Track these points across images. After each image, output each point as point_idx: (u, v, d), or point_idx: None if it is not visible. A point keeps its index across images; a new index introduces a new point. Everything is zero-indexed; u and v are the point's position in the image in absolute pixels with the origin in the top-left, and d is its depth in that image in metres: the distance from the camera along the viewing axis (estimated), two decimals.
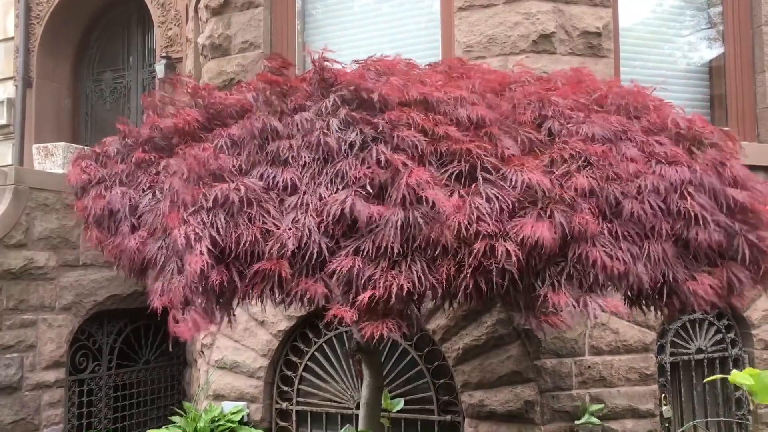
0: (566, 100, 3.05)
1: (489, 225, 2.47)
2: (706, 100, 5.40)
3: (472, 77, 3.24)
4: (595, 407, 4.40)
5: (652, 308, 3.13)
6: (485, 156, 2.65)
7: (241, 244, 2.55)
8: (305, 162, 2.78)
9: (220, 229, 2.57)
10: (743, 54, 5.31)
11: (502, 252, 2.43)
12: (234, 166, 2.79)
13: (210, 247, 2.54)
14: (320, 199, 2.64)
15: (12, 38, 9.24)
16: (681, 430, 4.70)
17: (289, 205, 2.66)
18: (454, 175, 2.67)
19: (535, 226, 2.49)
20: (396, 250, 2.48)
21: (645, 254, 2.68)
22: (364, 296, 2.44)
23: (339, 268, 2.49)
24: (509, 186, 2.60)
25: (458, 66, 3.51)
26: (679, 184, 2.80)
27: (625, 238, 2.68)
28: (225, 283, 2.55)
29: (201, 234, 2.55)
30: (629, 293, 2.97)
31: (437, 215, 2.48)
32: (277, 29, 5.60)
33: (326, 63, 3.07)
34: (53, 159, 6.06)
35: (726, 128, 3.49)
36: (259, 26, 5.53)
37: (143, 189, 3.12)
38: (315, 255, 2.54)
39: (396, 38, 5.32)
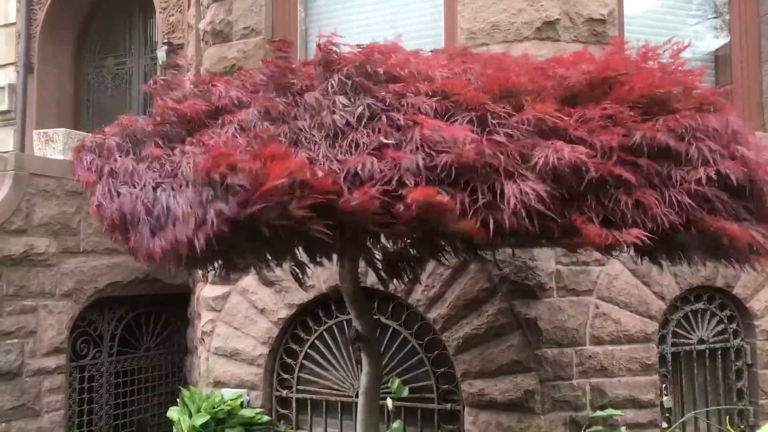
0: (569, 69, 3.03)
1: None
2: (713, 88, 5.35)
3: (476, 60, 3.22)
4: (610, 411, 4.33)
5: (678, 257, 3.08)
6: (497, 107, 2.64)
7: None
8: (317, 140, 2.76)
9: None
10: (749, 43, 5.25)
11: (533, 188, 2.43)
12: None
13: None
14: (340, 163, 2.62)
15: (13, 24, 9.20)
16: (681, 420, 4.68)
17: None
18: (470, 120, 2.66)
19: (565, 151, 2.48)
20: (423, 174, 2.47)
21: (667, 200, 2.64)
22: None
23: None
24: (523, 126, 2.60)
25: (461, 52, 3.48)
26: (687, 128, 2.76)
27: (646, 176, 2.64)
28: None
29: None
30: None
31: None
32: (279, 15, 5.55)
33: (332, 47, 3.04)
34: (54, 145, 6.03)
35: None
36: (260, 12, 5.49)
37: (152, 187, 3.01)
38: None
39: (399, 25, 5.27)
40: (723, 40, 5.41)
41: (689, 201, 2.64)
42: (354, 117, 2.75)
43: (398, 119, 2.66)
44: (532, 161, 2.53)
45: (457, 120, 2.67)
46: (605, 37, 4.74)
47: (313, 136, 2.78)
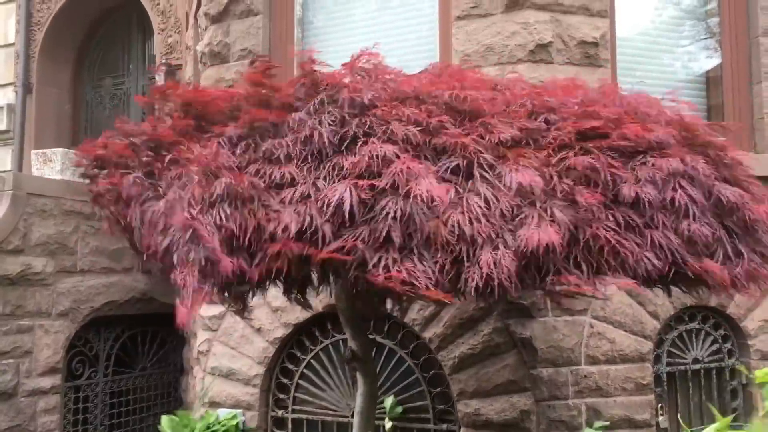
0: (558, 98, 3.07)
1: (488, 228, 2.48)
2: (704, 110, 5.40)
3: (465, 78, 3.26)
4: (599, 424, 4.36)
5: (662, 289, 3.12)
6: (481, 153, 2.66)
7: (249, 232, 2.55)
8: (300, 158, 2.80)
9: (226, 219, 2.57)
10: (740, 64, 5.32)
11: (505, 265, 2.44)
12: (233, 164, 2.80)
13: (219, 237, 2.54)
14: (318, 190, 2.65)
15: (12, 44, 9.26)
16: None
17: (288, 199, 2.68)
18: (450, 169, 2.68)
19: (540, 233, 2.49)
20: (397, 243, 2.49)
21: (649, 242, 2.68)
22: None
23: (345, 246, 2.50)
24: (505, 187, 2.61)
25: (448, 70, 3.53)
26: (672, 175, 2.81)
27: (629, 226, 2.68)
28: (236, 271, 2.54)
29: (210, 228, 2.55)
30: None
31: (433, 208, 2.49)
32: (276, 37, 5.62)
33: (315, 66, 3.07)
34: (52, 165, 6.06)
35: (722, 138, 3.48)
36: (257, 34, 5.55)
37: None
38: (319, 237, 2.54)
39: (396, 47, 5.33)
40: (715, 61, 5.48)
41: (674, 246, 2.71)
42: (337, 137, 2.79)
43: (379, 149, 2.66)
44: (515, 238, 2.55)
45: (444, 165, 2.69)
46: (598, 60, 4.80)
47: (297, 152, 2.81)
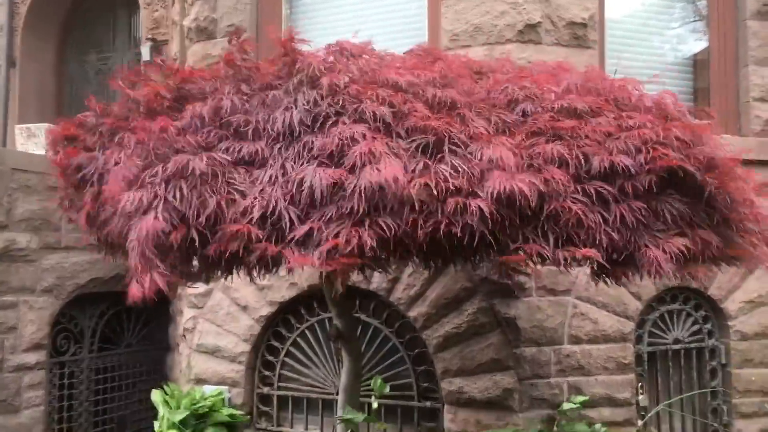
0: (540, 85, 3.07)
1: (456, 183, 2.49)
2: (690, 92, 5.43)
3: (449, 62, 3.24)
4: (579, 399, 4.42)
5: (613, 280, 3.13)
6: (452, 132, 2.66)
7: (205, 211, 2.54)
8: (271, 136, 2.79)
9: (181, 198, 2.56)
10: (727, 48, 5.34)
11: (474, 208, 2.45)
12: (200, 142, 2.78)
13: (168, 213, 2.53)
14: (284, 173, 2.64)
15: None
16: (654, 410, 4.76)
17: (256, 179, 2.66)
18: (420, 147, 2.67)
19: (509, 179, 2.50)
20: (361, 210, 2.49)
21: (614, 216, 2.69)
22: (325, 246, 2.43)
23: (301, 233, 2.50)
24: (476, 160, 2.61)
25: (434, 53, 3.51)
26: (646, 141, 2.79)
27: (598, 196, 2.69)
28: (185, 243, 2.53)
29: (156, 200, 2.54)
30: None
31: (396, 185, 2.49)
32: (264, 13, 5.57)
33: (294, 45, 3.05)
34: (36, 140, 6.01)
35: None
36: (245, 10, 5.50)
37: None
38: (283, 223, 2.53)
39: (384, 25, 5.30)
40: (703, 44, 5.49)
41: (631, 218, 2.71)
42: (310, 116, 2.77)
43: (348, 129, 2.65)
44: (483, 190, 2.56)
45: (415, 141, 2.69)
46: (586, 41, 4.80)
47: (267, 131, 2.80)
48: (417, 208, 2.49)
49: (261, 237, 2.51)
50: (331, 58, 3.01)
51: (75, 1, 9.23)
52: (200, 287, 5.23)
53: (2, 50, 8.88)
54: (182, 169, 2.62)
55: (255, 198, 2.56)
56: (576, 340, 4.59)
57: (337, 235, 2.46)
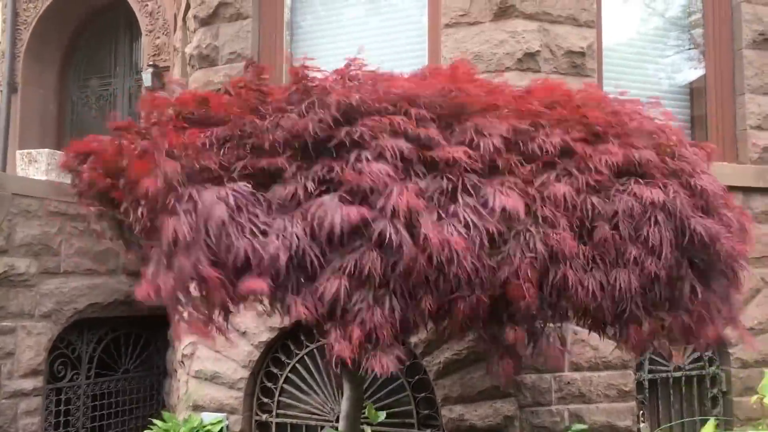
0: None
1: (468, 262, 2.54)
2: (688, 120, 5.48)
3: (457, 76, 3.28)
4: (578, 427, 4.41)
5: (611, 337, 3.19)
6: (467, 173, 2.68)
7: (232, 258, 2.54)
8: (288, 147, 2.80)
9: (213, 237, 2.57)
10: (724, 76, 5.40)
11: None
12: (221, 161, 2.80)
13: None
14: (307, 192, 2.66)
15: None
16: None
17: (278, 198, 2.68)
18: (436, 190, 2.70)
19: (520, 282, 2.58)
20: (377, 278, 2.51)
21: (611, 284, 2.75)
22: (357, 335, 2.48)
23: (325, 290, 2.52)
24: (487, 211, 2.65)
25: (439, 69, 3.56)
26: (651, 205, 2.85)
27: (595, 262, 2.74)
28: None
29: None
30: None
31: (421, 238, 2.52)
32: (266, 40, 5.62)
33: (306, 71, 3.08)
34: (37, 165, 6.02)
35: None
36: (247, 37, 5.55)
37: None
38: (306, 268, 2.56)
39: (384, 52, 5.36)
40: (700, 72, 5.55)
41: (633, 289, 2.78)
42: (325, 135, 2.80)
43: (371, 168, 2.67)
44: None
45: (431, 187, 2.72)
46: (584, 69, 4.85)
47: (284, 149, 2.82)
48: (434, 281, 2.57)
49: (278, 287, 2.54)
50: (338, 86, 3.03)
51: (77, 27, 9.33)
52: None
53: (4, 75, 8.96)
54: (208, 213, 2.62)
55: (277, 237, 2.56)
56: (577, 367, 4.57)
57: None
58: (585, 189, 2.80)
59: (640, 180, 2.95)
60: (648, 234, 2.80)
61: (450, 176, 2.70)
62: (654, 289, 2.85)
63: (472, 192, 2.69)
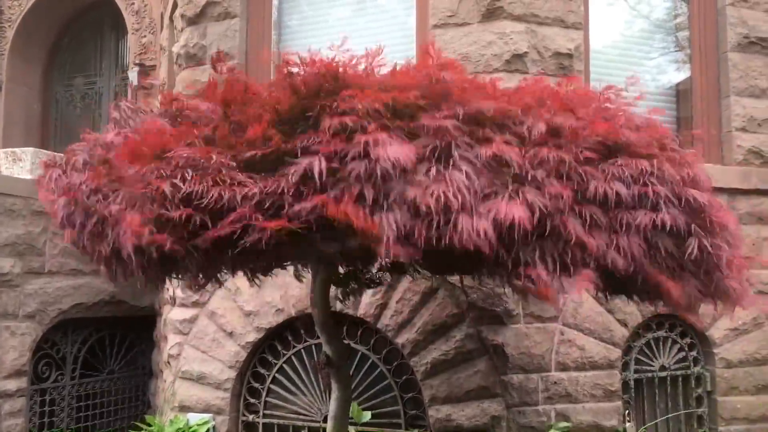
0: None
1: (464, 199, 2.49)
2: (674, 122, 5.52)
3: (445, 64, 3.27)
4: (562, 425, 4.44)
5: (626, 298, 3.14)
6: (459, 136, 2.66)
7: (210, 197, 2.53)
8: (270, 121, 2.79)
9: (183, 181, 2.55)
10: (709, 78, 5.44)
11: (484, 228, 2.45)
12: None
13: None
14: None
15: None
16: None
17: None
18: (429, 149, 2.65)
19: (508, 206, 2.50)
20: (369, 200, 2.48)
21: (614, 245, 2.71)
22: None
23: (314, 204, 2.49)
24: (480, 162, 2.61)
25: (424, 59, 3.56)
26: (641, 174, 2.82)
27: (596, 224, 2.70)
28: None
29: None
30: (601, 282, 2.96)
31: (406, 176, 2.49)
32: (253, 40, 5.60)
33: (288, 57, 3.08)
34: (21, 164, 5.96)
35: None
36: (234, 37, 5.53)
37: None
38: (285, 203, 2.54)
39: (373, 47, 5.35)
40: (685, 74, 5.59)
41: (635, 249, 2.73)
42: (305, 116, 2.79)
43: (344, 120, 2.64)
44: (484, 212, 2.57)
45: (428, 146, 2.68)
46: (572, 71, 4.88)
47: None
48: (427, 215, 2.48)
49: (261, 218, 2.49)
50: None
51: (62, 25, 9.26)
52: (185, 313, 5.19)
53: None
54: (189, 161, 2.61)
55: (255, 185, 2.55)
56: (563, 367, 4.60)
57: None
58: (576, 161, 2.78)
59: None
60: (645, 192, 2.78)
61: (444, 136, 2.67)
62: (660, 246, 2.79)
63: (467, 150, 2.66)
